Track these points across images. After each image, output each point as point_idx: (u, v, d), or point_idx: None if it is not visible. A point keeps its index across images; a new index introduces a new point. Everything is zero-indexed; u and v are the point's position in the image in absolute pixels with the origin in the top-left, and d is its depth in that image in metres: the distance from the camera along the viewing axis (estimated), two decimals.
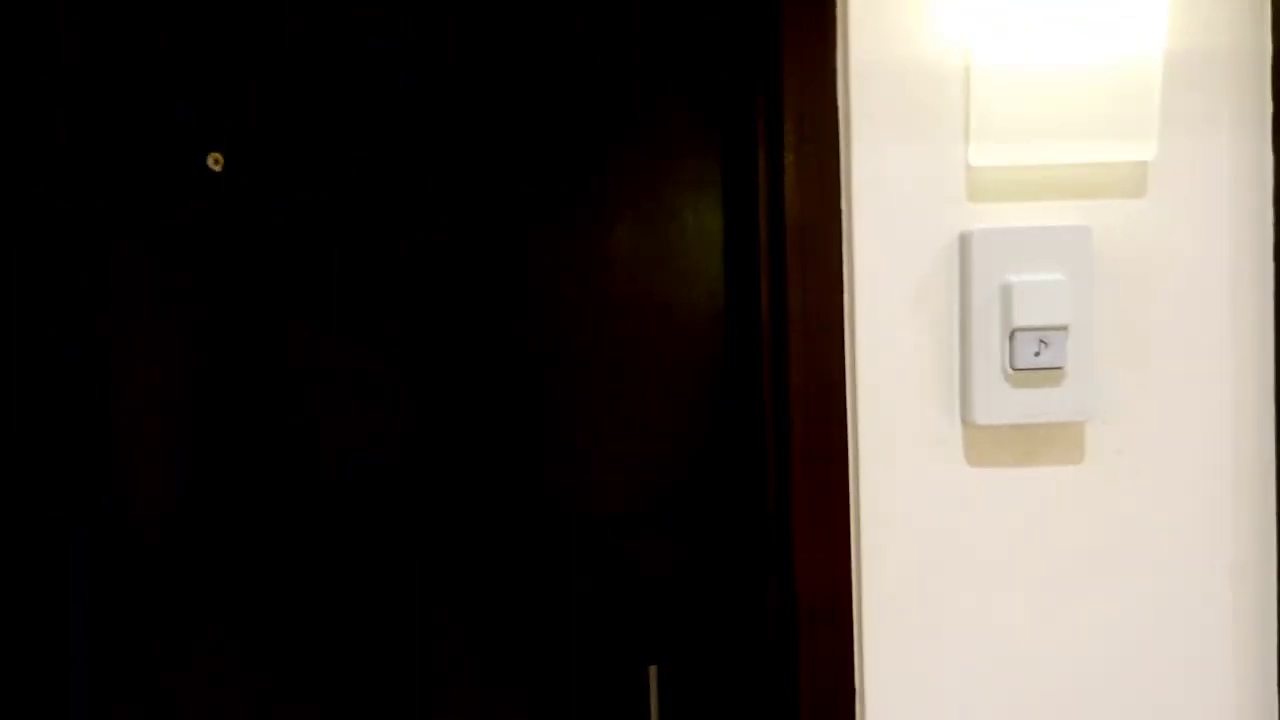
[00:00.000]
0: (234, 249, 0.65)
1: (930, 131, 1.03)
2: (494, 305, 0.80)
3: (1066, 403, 1.04)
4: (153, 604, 0.61)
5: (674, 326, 1.00)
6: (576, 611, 0.87)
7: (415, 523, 0.74)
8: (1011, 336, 1.03)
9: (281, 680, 0.67)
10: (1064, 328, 1.02)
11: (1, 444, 0.53)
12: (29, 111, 0.53)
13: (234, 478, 0.65)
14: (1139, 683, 1.07)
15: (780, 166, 1.00)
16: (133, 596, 0.59)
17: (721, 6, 0.93)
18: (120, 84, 0.57)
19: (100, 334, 0.56)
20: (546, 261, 0.82)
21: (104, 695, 0.59)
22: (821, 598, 1.02)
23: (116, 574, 0.58)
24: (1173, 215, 1.06)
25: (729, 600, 1.06)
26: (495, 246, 0.79)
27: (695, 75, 0.91)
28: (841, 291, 1.05)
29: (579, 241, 0.87)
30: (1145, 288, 1.06)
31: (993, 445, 1.07)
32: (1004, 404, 1.04)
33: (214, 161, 0.60)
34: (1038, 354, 1.02)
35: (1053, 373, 1.03)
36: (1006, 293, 1.03)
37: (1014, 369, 1.03)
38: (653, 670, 0.76)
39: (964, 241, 1.05)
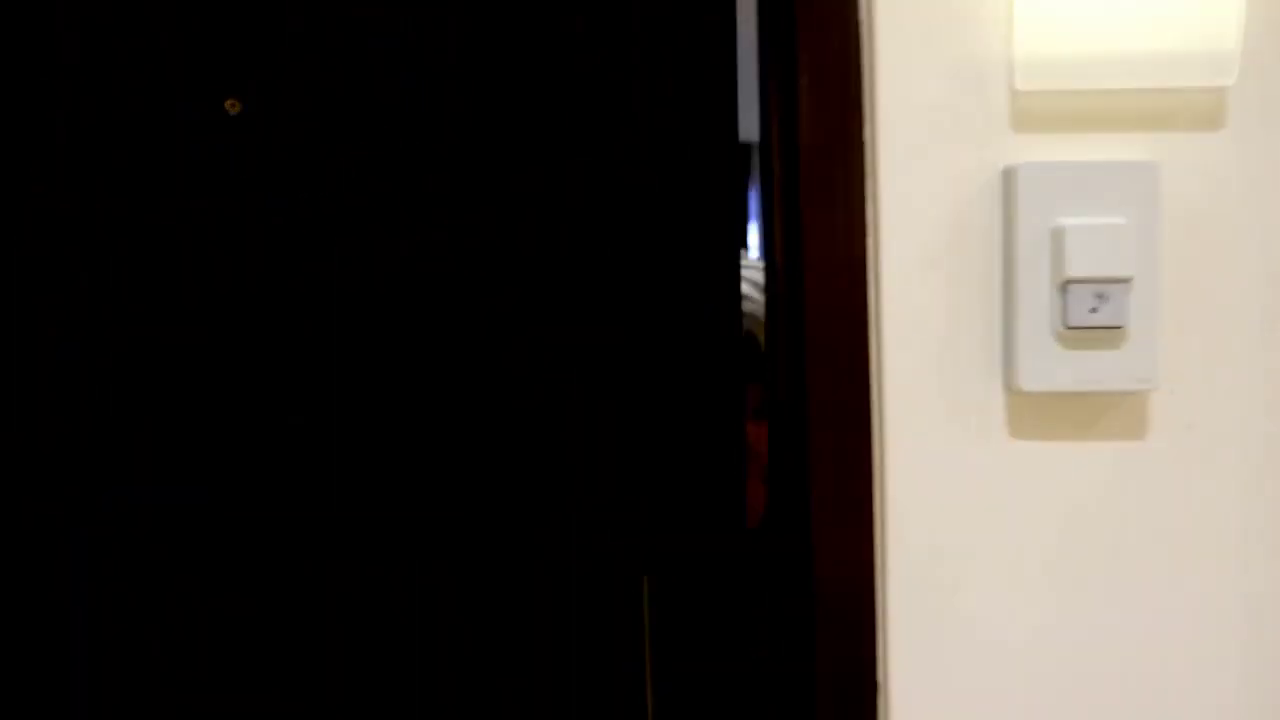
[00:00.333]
0: (225, 258, 0.64)
1: (969, 48, 0.89)
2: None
3: (1127, 368, 0.90)
4: (153, 604, 0.60)
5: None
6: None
7: (419, 517, 0.70)
8: (1064, 289, 0.88)
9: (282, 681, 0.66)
10: (1126, 280, 0.88)
11: (1, 444, 0.53)
12: (29, 111, 0.53)
13: (238, 477, 0.64)
14: (1200, 695, 0.92)
15: (792, 91, 0.86)
16: (133, 596, 0.59)
17: None
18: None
19: (100, 333, 0.56)
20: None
21: (104, 695, 0.58)
22: (840, 582, 0.89)
23: (117, 574, 0.58)
24: (1255, 151, 0.91)
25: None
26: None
27: None
28: (864, 235, 0.91)
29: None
30: (1222, 235, 0.91)
31: (1039, 416, 0.92)
32: (1054, 368, 0.90)
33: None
34: (1094, 310, 0.88)
35: (1112, 333, 0.89)
36: (1058, 238, 0.88)
37: (1066, 328, 0.88)
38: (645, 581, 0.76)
39: (1008, 178, 0.91)
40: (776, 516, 0.99)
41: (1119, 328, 0.88)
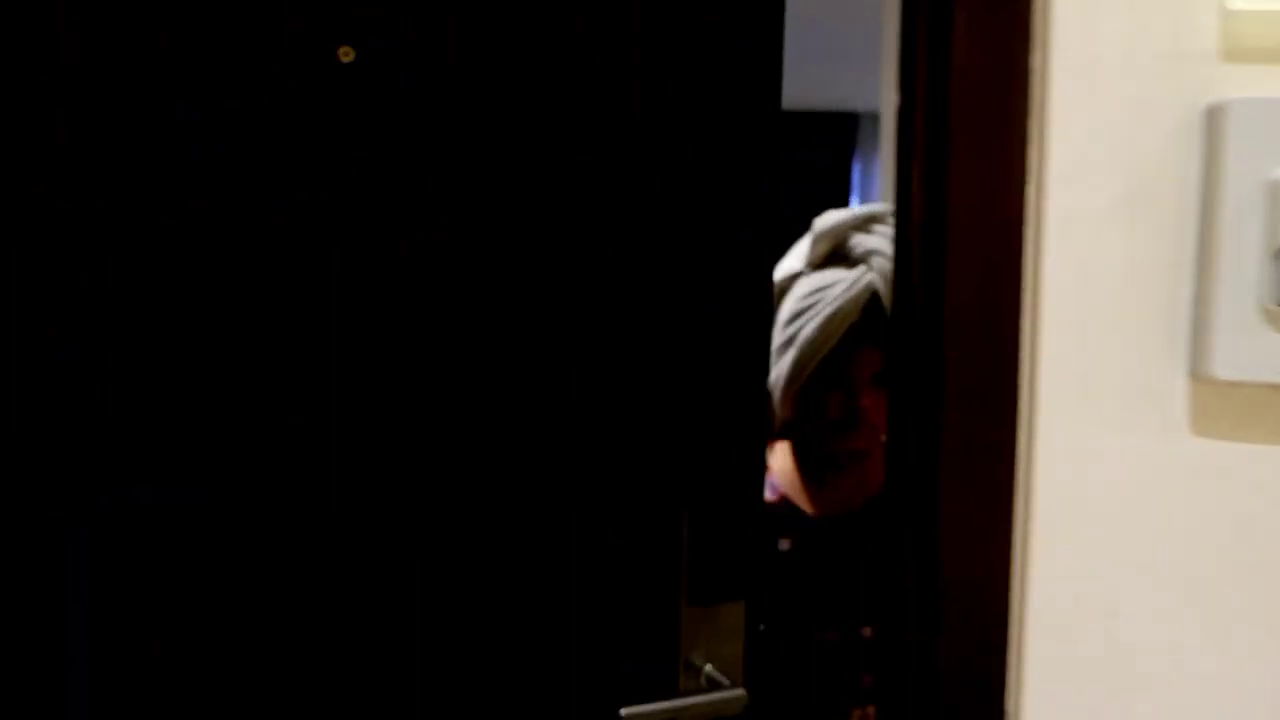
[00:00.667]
0: (225, 257, 0.62)
1: None
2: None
3: None
4: (153, 604, 0.58)
5: None
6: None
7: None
8: (1278, 258, 0.71)
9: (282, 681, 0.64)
10: None
11: (1, 444, 0.52)
12: (29, 110, 0.52)
13: (238, 477, 0.62)
14: None
15: (946, 7, 0.71)
16: (133, 596, 0.57)
17: None
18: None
19: (100, 333, 0.55)
20: None
21: (104, 695, 0.56)
22: (969, 595, 0.75)
23: (117, 574, 0.56)
24: None
25: None
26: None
27: None
28: (1023, 185, 0.75)
29: None
30: None
31: (1233, 410, 0.76)
32: (1258, 354, 0.73)
33: None
34: None
35: None
36: (1274, 195, 0.71)
37: (1279, 305, 0.71)
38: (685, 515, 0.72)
39: (1212, 118, 0.73)
40: (895, 499, 0.85)
41: None
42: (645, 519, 0.76)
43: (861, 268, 1.25)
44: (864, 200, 7.00)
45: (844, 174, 7.02)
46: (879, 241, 1.26)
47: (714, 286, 0.80)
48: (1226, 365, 0.73)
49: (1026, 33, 0.73)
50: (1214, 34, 0.73)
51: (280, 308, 0.61)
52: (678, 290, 0.77)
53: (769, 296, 0.91)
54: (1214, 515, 0.76)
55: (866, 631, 1.27)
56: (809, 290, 1.26)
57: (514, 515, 0.70)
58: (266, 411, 0.61)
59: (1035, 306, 0.76)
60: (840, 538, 1.31)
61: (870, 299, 1.23)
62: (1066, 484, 0.77)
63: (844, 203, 7.00)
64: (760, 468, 0.93)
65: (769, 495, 1.33)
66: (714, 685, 0.79)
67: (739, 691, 0.78)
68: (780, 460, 1.38)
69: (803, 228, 1.37)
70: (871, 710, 1.27)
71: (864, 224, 1.28)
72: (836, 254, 1.27)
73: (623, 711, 0.71)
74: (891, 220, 1.25)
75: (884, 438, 1.38)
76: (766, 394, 1.03)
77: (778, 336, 1.27)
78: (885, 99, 2.06)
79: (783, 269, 1.31)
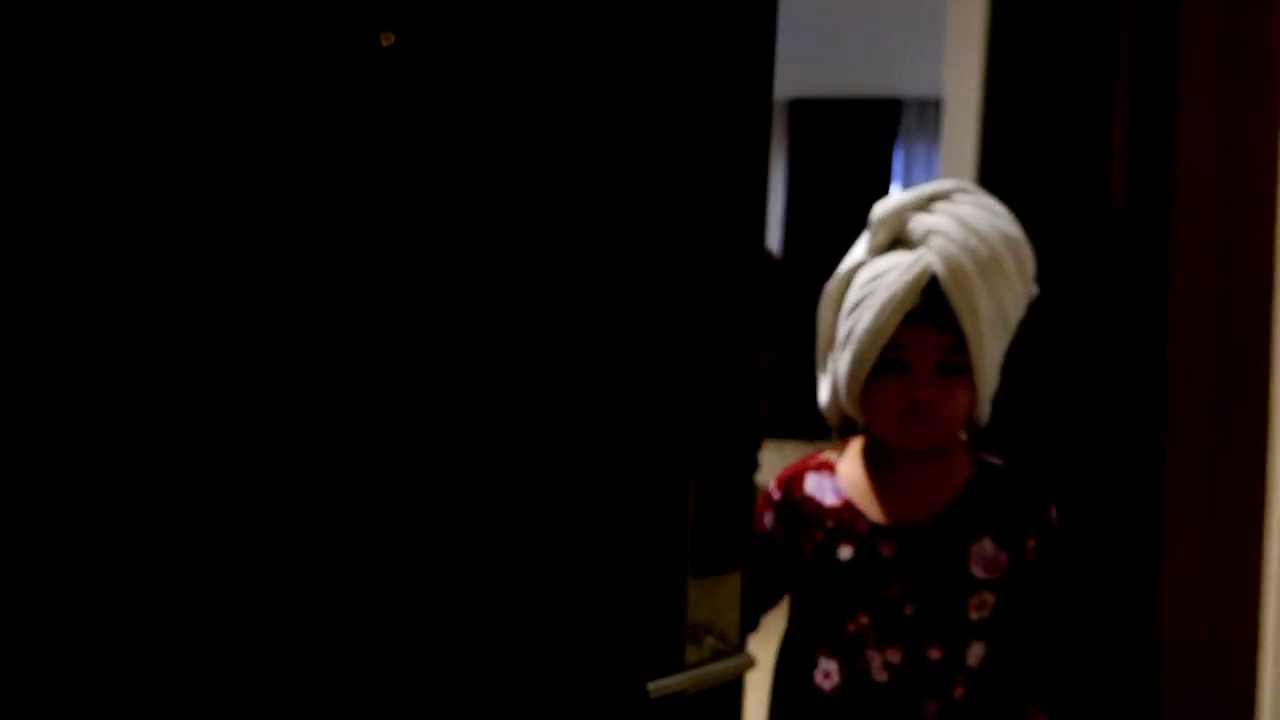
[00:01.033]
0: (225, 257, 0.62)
1: None
2: None
3: None
4: (153, 604, 0.59)
5: None
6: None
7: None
8: None
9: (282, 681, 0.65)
10: None
11: (1, 444, 0.51)
12: (29, 110, 0.52)
13: (238, 477, 0.62)
14: None
15: None
16: (133, 596, 0.57)
17: None
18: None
19: (100, 332, 0.55)
20: None
21: (104, 695, 0.57)
22: (1201, 667, 0.60)
23: (117, 574, 0.57)
24: None
25: None
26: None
27: None
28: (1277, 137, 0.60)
29: None
30: None
31: None
32: None
33: None
34: None
35: None
36: None
37: None
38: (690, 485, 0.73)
39: None
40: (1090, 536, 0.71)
41: None
42: (654, 490, 0.76)
43: (921, 250, 1.14)
44: (908, 185, 6.80)
45: (886, 161, 6.85)
46: (940, 220, 1.15)
47: (711, 277, 0.81)
48: None
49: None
50: None
51: (279, 307, 0.61)
52: (677, 281, 0.78)
53: (759, 280, 0.90)
54: None
55: (934, 654, 1.17)
56: (868, 279, 1.18)
57: (527, 497, 0.69)
58: (266, 411, 0.61)
59: None
60: (909, 548, 1.20)
61: (930, 282, 1.13)
62: None
63: (885, 190, 6.82)
64: (753, 442, 0.92)
65: (834, 501, 1.24)
66: (720, 653, 0.80)
67: (747, 655, 0.81)
68: (849, 464, 1.28)
69: (847, 215, 1.25)
70: None
71: (926, 203, 1.18)
72: (900, 239, 1.18)
73: (650, 686, 0.73)
74: (958, 196, 1.17)
75: (962, 434, 1.29)
76: (758, 370, 0.97)
77: (840, 331, 1.20)
78: (947, 84, 1.91)
79: (848, 261, 1.23)
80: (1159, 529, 0.71)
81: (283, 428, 0.61)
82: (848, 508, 1.24)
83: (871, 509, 1.23)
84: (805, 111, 7.06)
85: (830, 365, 1.25)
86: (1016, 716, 1.22)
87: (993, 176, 1.52)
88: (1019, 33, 1.48)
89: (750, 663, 0.82)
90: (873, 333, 1.14)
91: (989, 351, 1.14)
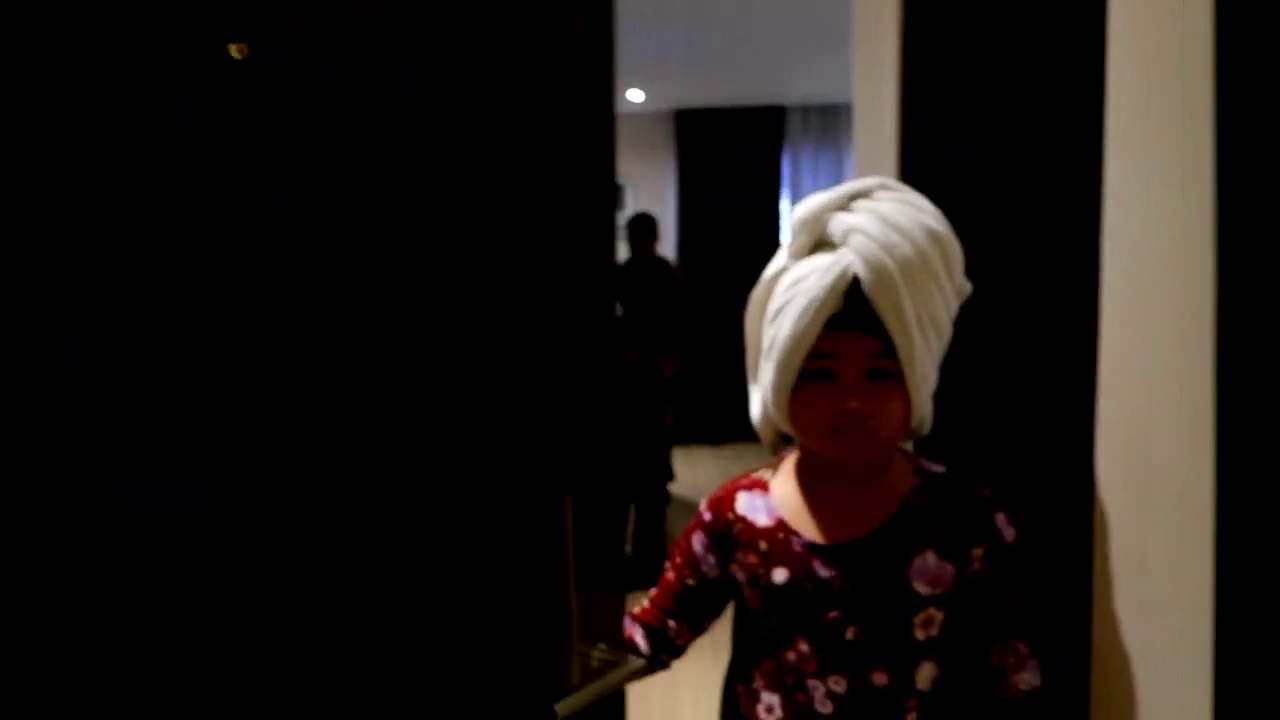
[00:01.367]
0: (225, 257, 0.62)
1: None
2: None
3: None
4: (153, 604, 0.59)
5: None
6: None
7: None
8: None
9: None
10: None
11: (1, 444, 0.51)
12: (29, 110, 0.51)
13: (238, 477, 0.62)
14: None
15: None
16: (133, 596, 0.57)
17: None
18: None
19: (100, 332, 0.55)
20: None
21: (104, 696, 0.57)
22: None
23: (117, 574, 0.56)
24: None
25: None
26: None
27: None
28: None
29: None
30: None
31: None
32: None
33: None
34: None
35: None
36: None
37: None
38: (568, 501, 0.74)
39: None
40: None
41: None
42: (534, 508, 0.76)
43: (841, 250, 1.08)
44: (795, 193, 7.00)
45: (775, 166, 7.02)
46: (860, 218, 1.09)
47: (571, 289, 0.81)
48: None
49: None
50: None
51: (278, 307, 0.60)
52: (540, 296, 0.79)
53: (611, 287, 0.91)
54: None
55: (880, 679, 1.09)
56: (789, 284, 1.10)
57: (418, 513, 0.69)
58: (266, 411, 0.60)
59: None
60: (848, 568, 1.12)
61: (852, 284, 1.06)
62: None
63: (775, 194, 6.98)
64: (616, 453, 0.90)
65: (767, 521, 1.16)
66: (609, 663, 0.80)
67: (640, 660, 0.83)
68: (782, 482, 1.20)
69: (740, 219, 1.21)
70: None
71: (846, 202, 1.12)
72: (821, 241, 1.12)
73: (557, 707, 0.73)
74: (880, 193, 1.12)
75: (908, 444, 1.22)
76: (619, 387, 0.92)
77: (765, 340, 1.13)
78: (857, 88, 1.97)
79: (771, 266, 1.16)
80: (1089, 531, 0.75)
81: (280, 427, 0.61)
82: (781, 527, 1.15)
83: (806, 528, 1.14)
84: (692, 121, 7.18)
85: (759, 377, 1.17)
86: None
87: (916, 177, 1.56)
88: (936, 33, 1.52)
89: (639, 665, 0.83)
90: (795, 340, 1.07)
91: (920, 354, 1.07)
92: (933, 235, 1.08)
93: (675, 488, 4.73)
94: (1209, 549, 0.82)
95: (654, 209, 6.71)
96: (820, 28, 4.95)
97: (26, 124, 0.49)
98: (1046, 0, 1.22)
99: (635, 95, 6.70)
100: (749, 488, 1.21)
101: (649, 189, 7.31)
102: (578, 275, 0.80)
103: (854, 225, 1.08)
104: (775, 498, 1.18)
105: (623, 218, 7.10)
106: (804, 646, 1.11)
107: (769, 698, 1.15)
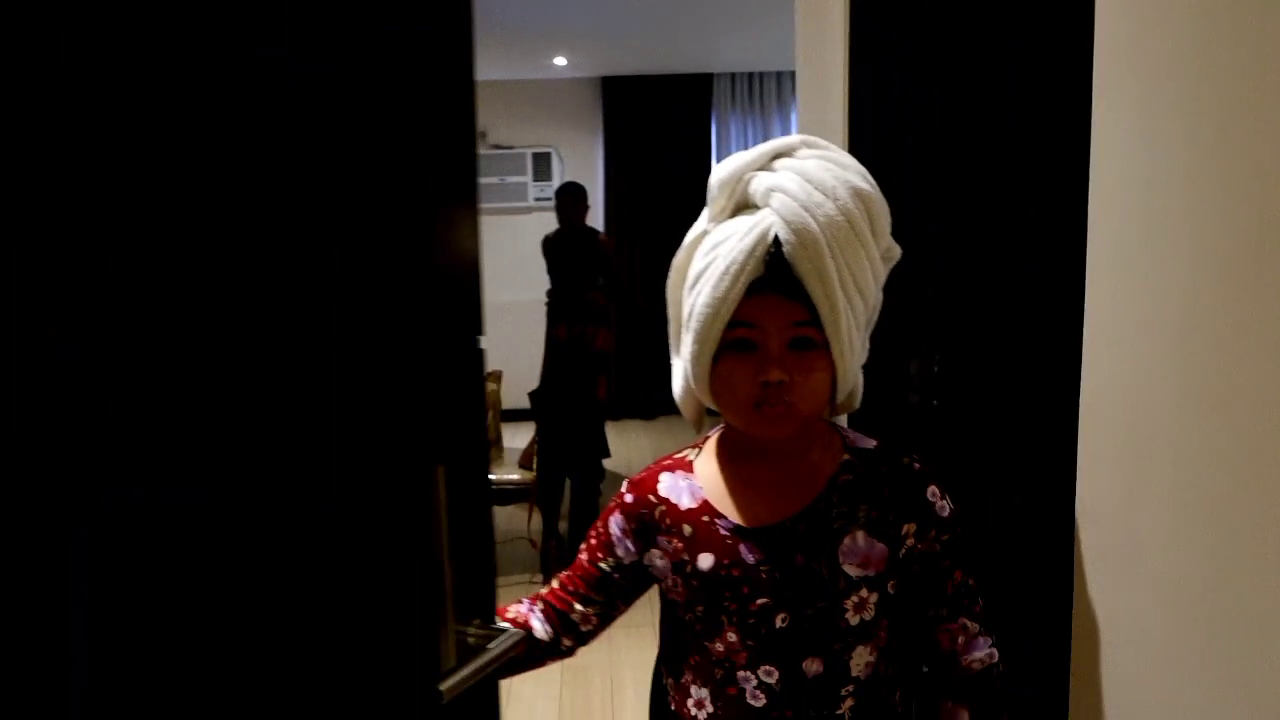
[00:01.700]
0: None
1: None
2: None
3: None
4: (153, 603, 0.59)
5: None
6: None
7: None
8: None
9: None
10: None
11: (1, 444, 0.52)
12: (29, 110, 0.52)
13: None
14: None
15: None
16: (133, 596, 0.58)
17: None
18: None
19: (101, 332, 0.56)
20: None
21: (104, 695, 0.57)
22: None
23: (117, 574, 0.56)
24: None
25: None
26: None
27: None
28: None
29: None
30: None
31: None
32: None
33: None
34: None
35: None
36: None
37: None
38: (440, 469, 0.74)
39: None
40: None
41: None
42: (403, 480, 0.75)
43: (763, 211, 1.01)
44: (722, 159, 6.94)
45: (704, 132, 6.96)
46: (782, 177, 1.01)
47: (433, 263, 0.81)
48: None
49: None
50: None
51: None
52: (401, 268, 0.79)
53: (476, 266, 0.87)
54: None
55: (813, 667, 1.04)
56: (708, 249, 1.03)
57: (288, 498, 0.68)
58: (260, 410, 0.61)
59: None
60: (776, 552, 1.05)
61: (774, 247, 0.99)
62: None
63: (705, 160, 6.93)
64: (480, 425, 0.87)
65: (691, 503, 1.09)
66: (488, 636, 0.79)
67: (520, 632, 0.81)
68: (706, 461, 1.13)
69: (669, 185, 1.13)
70: None
71: (768, 161, 1.04)
72: (743, 203, 1.04)
73: (442, 687, 0.72)
74: (803, 151, 1.05)
75: (842, 418, 1.15)
76: (478, 356, 0.87)
77: (685, 309, 1.06)
78: (800, 58, 1.92)
79: (692, 231, 1.08)
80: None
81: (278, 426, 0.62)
82: (706, 510, 1.08)
83: (731, 510, 1.07)
84: (619, 88, 7.06)
85: (680, 348, 1.09)
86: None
87: (864, 144, 1.51)
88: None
89: (519, 637, 0.81)
90: (713, 307, 0.99)
91: (845, 321, 0.99)
92: (858, 194, 1.00)
93: (609, 464, 4.69)
94: (1209, 529, 0.80)
95: (581, 178, 6.60)
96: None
97: (26, 124, 0.51)
98: None
99: (559, 61, 6.54)
100: (673, 468, 1.14)
101: (575, 157, 7.19)
102: (441, 251, 0.79)
103: (775, 185, 1.00)
104: (700, 478, 1.11)
105: (551, 188, 6.98)
106: (732, 636, 1.05)
107: (698, 692, 1.09)
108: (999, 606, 1.12)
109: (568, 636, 1.14)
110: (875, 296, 1.06)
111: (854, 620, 1.04)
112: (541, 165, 7.19)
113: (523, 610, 1.15)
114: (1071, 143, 1.05)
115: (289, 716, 0.67)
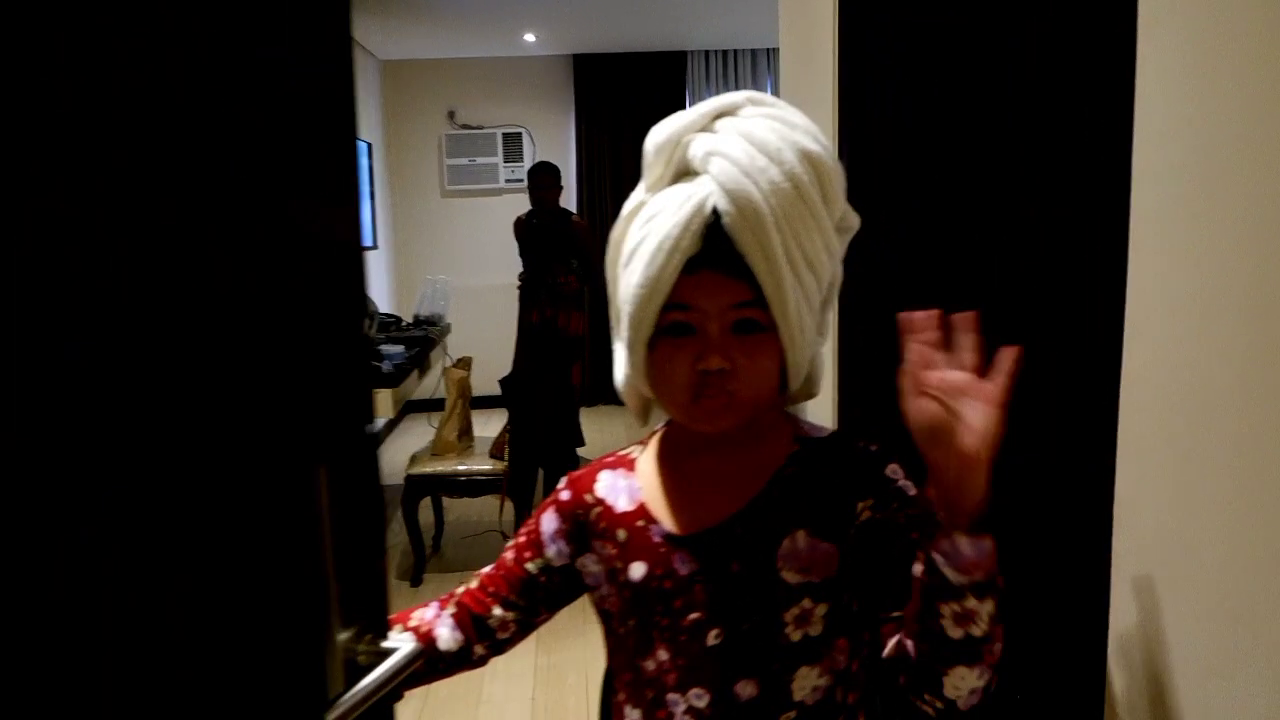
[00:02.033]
0: None
1: None
2: None
3: None
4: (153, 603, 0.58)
5: None
6: None
7: None
8: None
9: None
10: None
11: (1, 444, 0.50)
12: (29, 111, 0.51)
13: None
14: None
15: None
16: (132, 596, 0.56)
17: None
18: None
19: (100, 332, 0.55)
20: None
21: (104, 695, 0.56)
22: None
23: (116, 573, 0.55)
24: None
25: None
26: None
27: None
28: None
29: None
30: None
31: None
32: None
33: None
34: None
35: None
36: None
37: None
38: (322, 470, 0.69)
39: None
40: None
41: None
42: (281, 481, 0.69)
43: (701, 179, 0.89)
44: None
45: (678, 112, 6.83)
46: (722, 140, 0.89)
47: (309, 257, 0.75)
48: None
49: None
50: None
51: None
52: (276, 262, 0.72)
53: (357, 254, 0.80)
54: None
55: (747, 690, 0.91)
56: (643, 221, 0.91)
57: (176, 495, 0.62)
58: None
59: None
60: (710, 560, 0.94)
61: (712, 219, 0.87)
62: None
63: None
64: (367, 421, 0.79)
65: (628, 505, 0.99)
66: (381, 653, 0.74)
67: (417, 646, 0.75)
68: (649, 459, 1.02)
69: (639, 170, 0.98)
70: None
71: (709, 122, 0.92)
72: (683, 169, 0.91)
73: (329, 717, 0.67)
74: (748, 109, 0.93)
75: (800, 408, 1.02)
76: (363, 345, 0.79)
77: (620, 289, 0.95)
78: (784, 36, 1.82)
79: (628, 202, 0.96)
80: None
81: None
82: (641, 514, 0.97)
83: (666, 514, 0.96)
84: (591, 66, 6.91)
85: (619, 331, 0.97)
86: None
87: (860, 125, 1.41)
88: None
89: (416, 651, 0.75)
90: (647, 287, 0.88)
91: (794, 301, 0.88)
92: (807, 156, 0.88)
93: (584, 453, 4.59)
94: (1271, 532, 0.70)
95: (553, 158, 6.46)
96: None
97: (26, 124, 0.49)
98: None
99: (529, 38, 6.37)
100: (614, 466, 1.03)
101: (547, 137, 7.04)
102: (312, 239, 0.72)
103: (714, 148, 0.88)
104: (639, 478, 1.00)
105: (522, 169, 6.82)
106: (663, 654, 0.94)
107: (631, 713, 0.98)
108: (1025, 614, 1.01)
109: (481, 644, 1.03)
110: (831, 271, 0.94)
111: (795, 636, 0.91)
112: (512, 145, 7.03)
113: (428, 616, 1.03)
114: (1099, 109, 0.95)
115: None
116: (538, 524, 1.04)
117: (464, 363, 4.16)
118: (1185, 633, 0.84)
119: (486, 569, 1.06)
